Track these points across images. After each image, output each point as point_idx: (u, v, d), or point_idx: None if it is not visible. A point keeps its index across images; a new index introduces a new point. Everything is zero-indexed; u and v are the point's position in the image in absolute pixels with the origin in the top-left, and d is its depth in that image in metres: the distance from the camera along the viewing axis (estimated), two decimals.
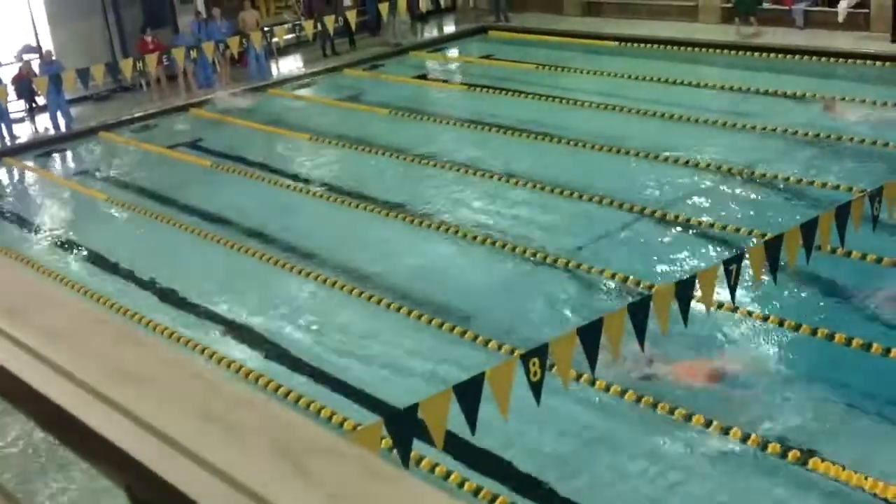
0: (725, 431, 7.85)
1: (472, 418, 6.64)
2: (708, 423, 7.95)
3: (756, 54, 19.26)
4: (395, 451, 6.53)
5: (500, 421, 6.97)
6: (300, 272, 11.76)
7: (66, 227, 14.91)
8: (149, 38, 21.02)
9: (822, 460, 7.44)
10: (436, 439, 6.61)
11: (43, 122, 20.20)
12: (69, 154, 19.10)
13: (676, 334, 8.51)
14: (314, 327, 10.59)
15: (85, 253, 13.54)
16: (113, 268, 12.78)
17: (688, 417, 8.05)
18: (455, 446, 7.52)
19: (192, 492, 0.84)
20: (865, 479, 7.19)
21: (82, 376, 1.03)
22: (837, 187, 12.26)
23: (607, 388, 8.52)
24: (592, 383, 8.40)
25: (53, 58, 19.94)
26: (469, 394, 6.65)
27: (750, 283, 9.40)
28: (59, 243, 14.13)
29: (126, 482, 0.93)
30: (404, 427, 6.55)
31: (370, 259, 11.97)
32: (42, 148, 19.20)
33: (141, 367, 1.05)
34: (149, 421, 0.94)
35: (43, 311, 1.19)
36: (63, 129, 19.73)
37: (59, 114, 19.65)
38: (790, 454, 7.53)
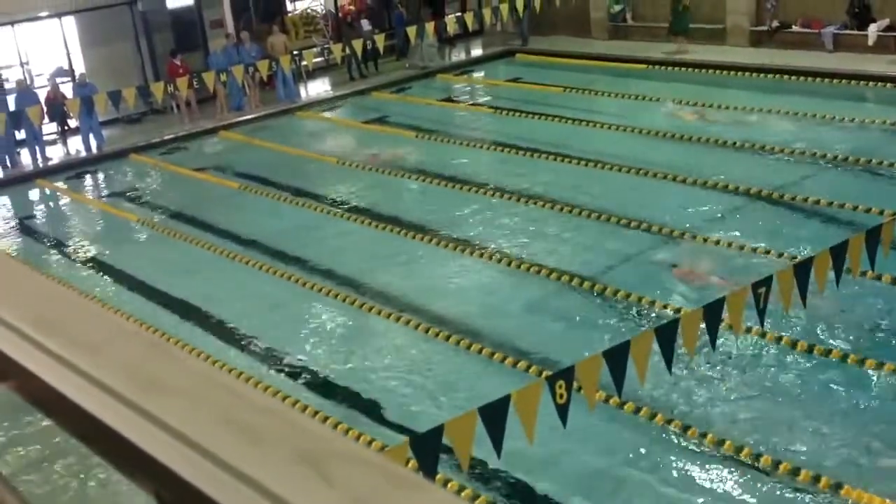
0: None
1: (497, 441, 6.61)
2: None
3: (786, 77, 19.19)
4: (420, 472, 6.52)
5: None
6: (327, 293, 11.80)
7: (97, 248, 15.05)
8: (178, 62, 21.26)
9: None
10: (461, 461, 6.60)
11: (75, 144, 20.47)
12: (100, 176, 19.34)
13: None
14: (340, 348, 10.62)
15: (114, 273, 13.67)
16: (141, 287, 12.89)
17: None
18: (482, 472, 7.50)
19: (219, 496, 0.86)
20: None
21: (113, 385, 1.05)
22: (868, 210, 12.16)
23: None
24: (621, 406, 8.36)
25: (87, 80, 20.22)
26: (495, 416, 6.63)
27: None
28: (89, 264, 14.28)
29: (155, 488, 0.95)
30: (430, 448, 6.54)
31: (396, 280, 12.00)
32: (74, 170, 19.47)
33: (170, 378, 1.06)
34: (177, 428, 0.96)
35: (75, 322, 1.21)
36: (94, 151, 19.99)
37: (90, 136, 19.90)
38: None
